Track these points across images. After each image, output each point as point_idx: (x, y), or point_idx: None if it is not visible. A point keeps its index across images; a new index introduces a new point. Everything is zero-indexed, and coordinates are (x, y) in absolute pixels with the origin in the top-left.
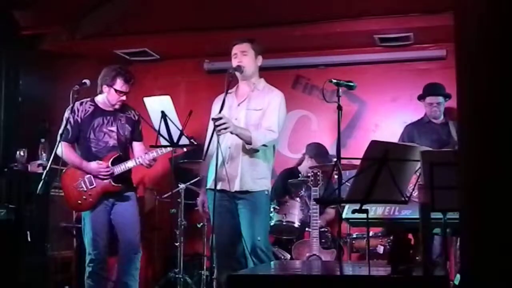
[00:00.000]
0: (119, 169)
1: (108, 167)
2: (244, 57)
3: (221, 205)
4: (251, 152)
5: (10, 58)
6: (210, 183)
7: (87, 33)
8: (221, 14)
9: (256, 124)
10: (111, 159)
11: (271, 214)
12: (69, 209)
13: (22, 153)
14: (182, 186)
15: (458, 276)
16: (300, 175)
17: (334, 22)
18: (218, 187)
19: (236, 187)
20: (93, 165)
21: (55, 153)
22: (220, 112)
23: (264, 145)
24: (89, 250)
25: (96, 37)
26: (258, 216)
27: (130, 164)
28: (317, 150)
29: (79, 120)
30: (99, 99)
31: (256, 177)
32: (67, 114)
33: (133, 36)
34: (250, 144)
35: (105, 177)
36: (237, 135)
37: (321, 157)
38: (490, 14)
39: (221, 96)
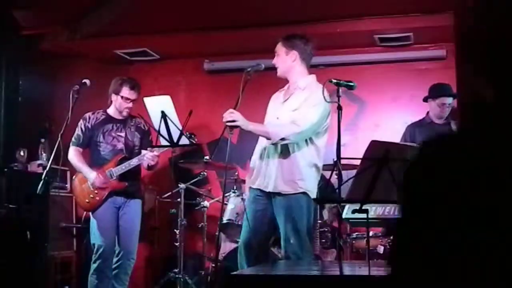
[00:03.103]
0: (122, 168)
1: (103, 182)
2: (276, 58)
3: (255, 203)
4: (286, 151)
5: (10, 58)
6: (248, 182)
7: (87, 33)
8: (221, 14)
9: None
10: (117, 160)
11: None
12: (81, 209)
13: (22, 153)
14: (182, 186)
15: None
16: None
17: (334, 22)
18: (255, 186)
19: (270, 188)
20: (92, 175)
21: (64, 155)
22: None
23: (285, 139)
24: (97, 247)
25: (96, 37)
26: (289, 218)
27: (134, 161)
28: None
29: (89, 126)
30: (110, 109)
31: (289, 179)
32: (80, 122)
33: (133, 36)
34: (270, 139)
35: (101, 187)
36: (251, 131)
37: None
38: (490, 14)
39: (277, 94)
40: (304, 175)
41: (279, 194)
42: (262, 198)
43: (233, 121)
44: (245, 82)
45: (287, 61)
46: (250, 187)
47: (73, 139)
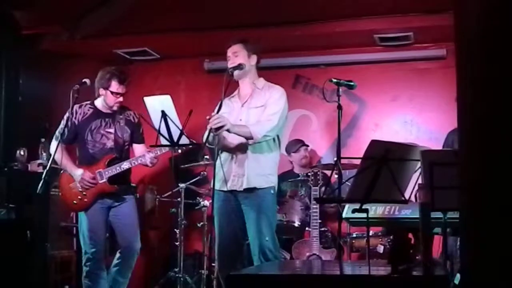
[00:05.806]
0: (113, 170)
1: (92, 178)
2: (235, 58)
3: (226, 205)
4: (255, 147)
5: (10, 58)
6: (217, 185)
7: (87, 33)
8: (221, 14)
9: (258, 121)
10: (107, 161)
11: None
12: (66, 209)
13: (22, 153)
14: (182, 185)
15: (458, 276)
16: (300, 175)
17: (334, 22)
18: (227, 188)
19: (244, 185)
20: (78, 172)
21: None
22: (217, 113)
23: (266, 136)
24: (86, 249)
25: (96, 37)
26: (264, 216)
27: (125, 165)
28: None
29: (76, 122)
30: (98, 102)
31: (262, 173)
32: (66, 115)
33: (133, 36)
34: (252, 138)
35: (86, 186)
36: (235, 133)
37: (292, 147)
38: (490, 14)
39: (226, 101)
40: (272, 168)
41: (251, 191)
42: (232, 199)
43: (221, 125)
44: (227, 83)
45: (248, 63)
46: (221, 191)
47: (57, 132)
